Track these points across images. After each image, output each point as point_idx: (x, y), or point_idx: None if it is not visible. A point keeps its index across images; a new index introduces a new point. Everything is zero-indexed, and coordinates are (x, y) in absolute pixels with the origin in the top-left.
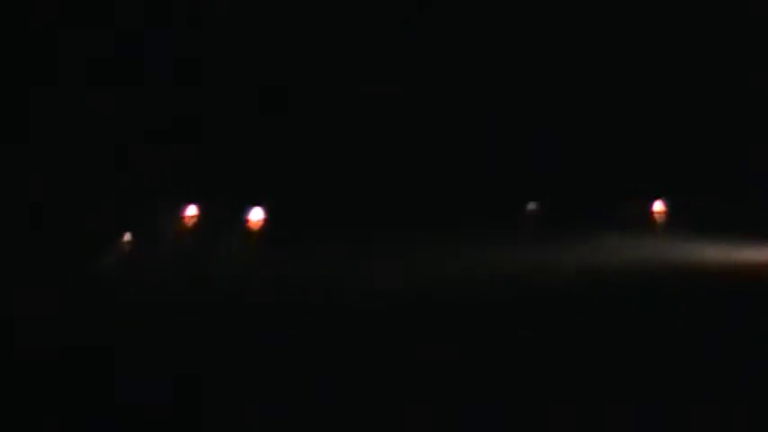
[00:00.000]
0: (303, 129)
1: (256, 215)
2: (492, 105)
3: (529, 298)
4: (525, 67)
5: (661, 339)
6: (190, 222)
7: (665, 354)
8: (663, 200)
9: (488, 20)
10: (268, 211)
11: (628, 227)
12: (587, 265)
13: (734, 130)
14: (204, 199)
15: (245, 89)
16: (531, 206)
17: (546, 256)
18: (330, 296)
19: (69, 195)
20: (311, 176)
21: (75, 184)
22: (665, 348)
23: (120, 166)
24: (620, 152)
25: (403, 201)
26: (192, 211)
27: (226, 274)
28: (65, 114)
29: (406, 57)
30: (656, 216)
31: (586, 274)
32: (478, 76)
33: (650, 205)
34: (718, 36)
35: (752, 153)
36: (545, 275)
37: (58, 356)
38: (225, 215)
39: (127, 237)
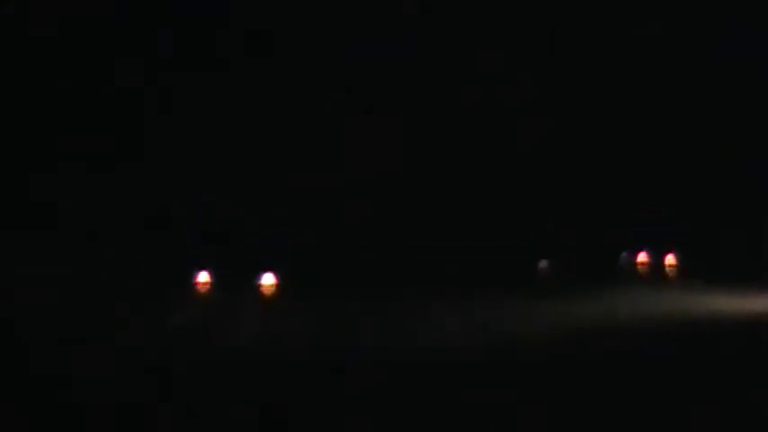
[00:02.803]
0: (311, 193)
1: (268, 280)
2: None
3: (544, 354)
4: (541, 126)
5: (677, 393)
6: (202, 289)
7: (681, 406)
8: (674, 253)
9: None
10: (279, 275)
11: (640, 280)
12: (602, 320)
13: (747, 180)
14: (216, 265)
15: (250, 161)
16: (543, 264)
17: (559, 312)
18: (342, 356)
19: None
20: (321, 241)
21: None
22: (680, 401)
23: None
24: (632, 207)
25: (414, 261)
26: (204, 277)
27: (239, 337)
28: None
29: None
30: (669, 269)
31: (602, 328)
32: (494, 136)
33: (663, 258)
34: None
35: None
36: (560, 331)
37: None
38: (237, 281)
39: None
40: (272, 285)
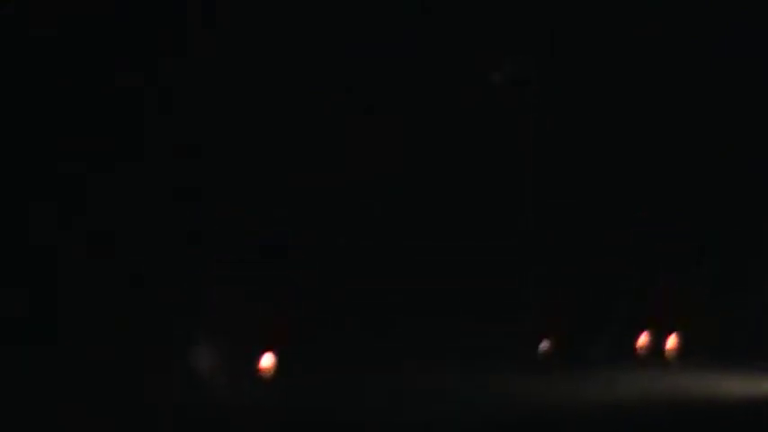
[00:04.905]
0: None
1: (267, 361)
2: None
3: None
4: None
5: None
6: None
7: None
8: (677, 334)
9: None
10: (279, 355)
11: (641, 362)
12: (602, 403)
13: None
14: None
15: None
16: (544, 345)
17: (559, 395)
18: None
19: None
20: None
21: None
22: None
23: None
24: (633, 287)
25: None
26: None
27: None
28: None
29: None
30: (669, 352)
31: (601, 412)
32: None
33: (664, 341)
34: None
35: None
36: (560, 414)
37: None
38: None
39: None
40: (270, 366)
